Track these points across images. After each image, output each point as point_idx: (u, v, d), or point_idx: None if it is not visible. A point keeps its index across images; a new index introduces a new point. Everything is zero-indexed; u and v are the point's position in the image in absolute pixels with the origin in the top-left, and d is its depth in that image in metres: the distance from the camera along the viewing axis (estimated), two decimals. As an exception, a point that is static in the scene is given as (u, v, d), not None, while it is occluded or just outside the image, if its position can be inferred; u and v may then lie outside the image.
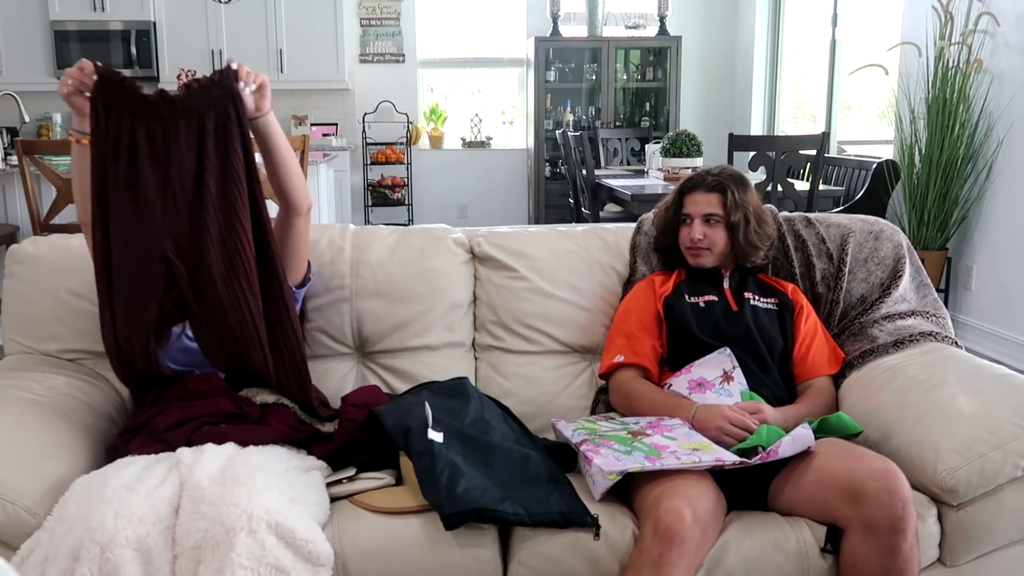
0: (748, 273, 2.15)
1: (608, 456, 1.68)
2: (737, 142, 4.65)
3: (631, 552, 1.61)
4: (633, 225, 2.33)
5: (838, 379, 2.06)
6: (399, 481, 1.77)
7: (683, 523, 1.53)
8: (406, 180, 7.33)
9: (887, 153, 5.18)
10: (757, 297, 2.09)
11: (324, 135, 6.99)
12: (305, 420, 1.87)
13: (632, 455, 1.68)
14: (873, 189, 4.82)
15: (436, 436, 1.70)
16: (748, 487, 1.74)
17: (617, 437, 1.77)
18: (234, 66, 1.72)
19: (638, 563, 1.56)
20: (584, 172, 5.06)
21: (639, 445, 1.72)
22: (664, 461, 1.64)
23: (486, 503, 1.59)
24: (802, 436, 1.69)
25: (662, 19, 7.06)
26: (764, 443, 1.73)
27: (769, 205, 2.29)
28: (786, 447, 1.68)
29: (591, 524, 1.63)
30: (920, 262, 2.27)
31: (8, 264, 2.17)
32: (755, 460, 1.68)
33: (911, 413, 1.79)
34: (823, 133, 4.48)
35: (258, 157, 1.79)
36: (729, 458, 1.67)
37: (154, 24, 6.71)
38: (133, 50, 6.68)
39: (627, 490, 1.72)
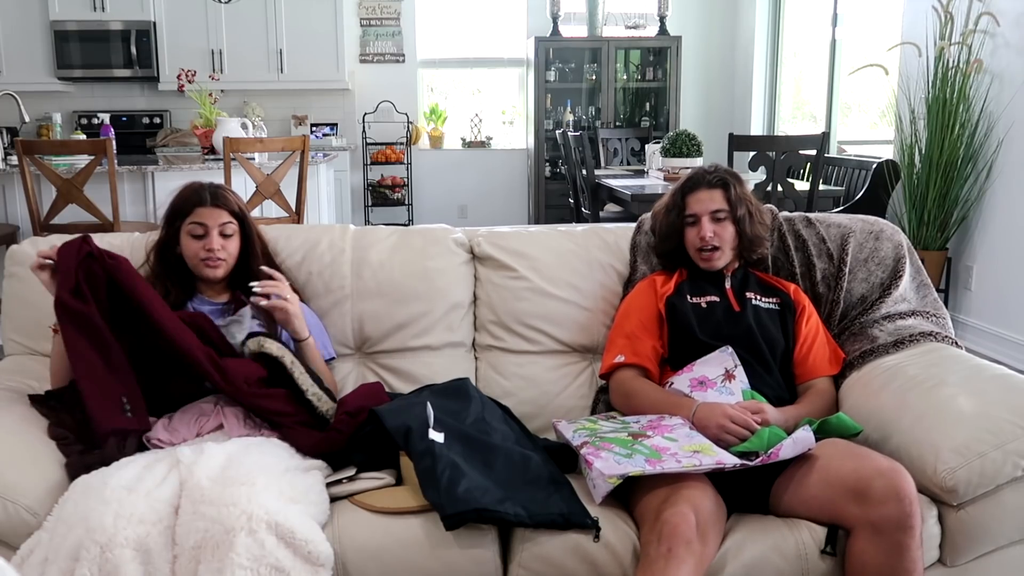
0: (750, 273, 2.15)
1: (608, 459, 1.68)
2: (737, 142, 4.65)
3: (634, 563, 1.61)
4: (633, 225, 2.33)
5: (838, 379, 2.06)
6: (399, 481, 1.77)
7: (688, 524, 1.53)
8: (406, 180, 7.33)
9: (887, 153, 5.18)
10: (759, 297, 2.09)
11: (324, 135, 6.98)
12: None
13: (632, 458, 1.67)
14: (873, 189, 4.82)
15: (437, 436, 1.70)
16: (749, 490, 1.73)
17: (618, 439, 1.76)
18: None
19: (645, 564, 1.54)
20: (584, 172, 5.05)
21: (639, 448, 1.71)
22: (664, 464, 1.64)
23: (487, 504, 1.59)
24: (803, 439, 1.69)
25: (662, 19, 7.06)
26: (764, 448, 1.73)
27: (769, 205, 2.29)
28: (787, 449, 1.68)
29: (591, 526, 1.62)
30: (920, 262, 2.27)
31: (8, 264, 2.17)
32: (756, 462, 1.67)
33: (911, 413, 1.79)
34: (823, 133, 4.48)
35: None
36: (729, 460, 1.66)
37: (154, 24, 6.71)
38: (133, 50, 6.68)
39: (627, 496, 1.72)
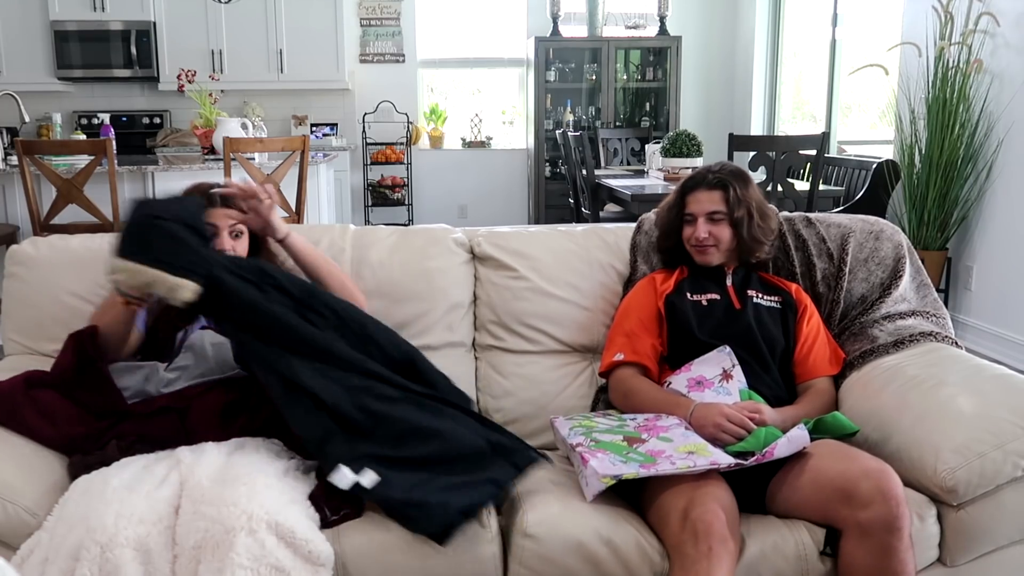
0: (751, 271, 2.15)
1: (604, 460, 1.67)
2: (737, 142, 4.65)
3: (638, 562, 1.61)
4: (633, 225, 2.32)
5: (838, 379, 2.06)
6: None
7: (721, 521, 1.54)
8: (406, 180, 7.33)
9: (887, 153, 5.18)
10: (760, 295, 2.08)
11: (324, 135, 6.99)
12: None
13: (628, 464, 1.66)
14: (873, 189, 4.82)
15: (364, 479, 1.61)
16: (746, 489, 1.73)
17: (613, 445, 1.75)
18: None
19: (686, 565, 1.53)
20: (584, 172, 5.06)
21: (634, 456, 1.69)
22: (659, 467, 1.63)
23: (460, 505, 1.59)
24: (798, 437, 1.69)
25: (662, 19, 7.06)
26: (760, 448, 1.72)
27: (770, 205, 2.29)
28: (782, 448, 1.68)
29: (536, 459, 1.72)
30: (920, 262, 2.27)
31: (8, 264, 2.17)
32: (751, 461, 1.67)
33: (911, 413, 1.79)
34: (823, 133, 4.48)
35: None
36: (724, 460, 1.66)
37: (154, 24, 6.71)
38: (133, 50, 6.68)
39: (633, 496, 1.72)
